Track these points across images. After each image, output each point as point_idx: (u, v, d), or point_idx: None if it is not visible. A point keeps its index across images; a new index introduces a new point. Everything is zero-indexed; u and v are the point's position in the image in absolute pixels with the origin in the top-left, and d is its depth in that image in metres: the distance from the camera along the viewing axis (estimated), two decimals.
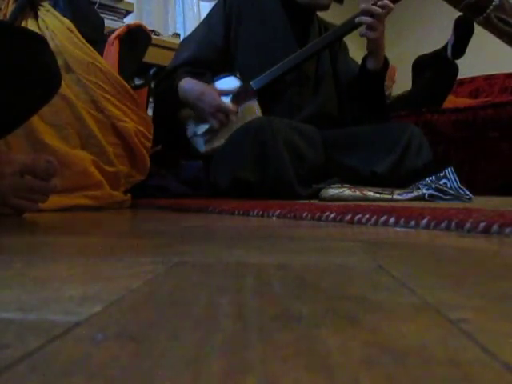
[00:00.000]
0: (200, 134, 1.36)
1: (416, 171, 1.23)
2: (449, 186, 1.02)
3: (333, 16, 1.72)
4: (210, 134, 1.35)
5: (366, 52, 1.46)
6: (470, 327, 0.16)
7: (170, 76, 1.41)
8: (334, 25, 1.59)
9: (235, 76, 1.39)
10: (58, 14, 1.12)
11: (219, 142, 1.33)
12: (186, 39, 1.58)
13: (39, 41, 0.74)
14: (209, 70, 1.41)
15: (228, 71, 1.41)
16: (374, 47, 1.37)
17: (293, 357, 0.14)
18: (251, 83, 1.38)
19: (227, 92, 1.34)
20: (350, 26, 1.39)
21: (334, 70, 1.57)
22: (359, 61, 1.53)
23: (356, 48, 1.70)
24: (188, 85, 1.34)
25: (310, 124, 1.39)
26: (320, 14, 1.58)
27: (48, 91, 0.77)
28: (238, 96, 1.34)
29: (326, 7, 1.48)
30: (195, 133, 1.37)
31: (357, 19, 1.33)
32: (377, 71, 1.41)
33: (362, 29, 1.34)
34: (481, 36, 1.57)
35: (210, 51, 1.44)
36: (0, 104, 0.69)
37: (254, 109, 1.34)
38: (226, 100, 1.33)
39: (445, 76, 2.06)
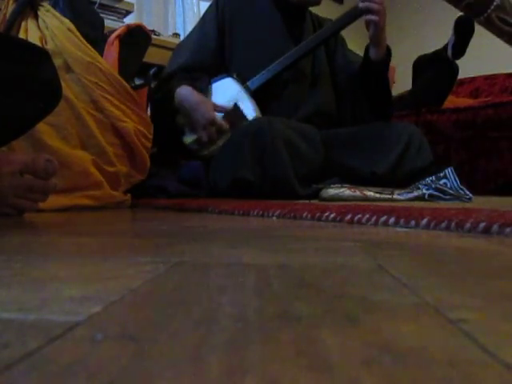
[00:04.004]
0: (187, 142, 1.37)
1: (416, 171, 1.23)
2: (449, 186, 1.02)
3: (333, 16, 1.72)
4: (198, 144, 1.36)
5: (360, 47, 1.46)
6: (469, 327, 0.16)
7: (167, 82, 1.42)
8: (329, 20, 1.60)
9: (232, 77, 1.39)
10: (58, 14, 1.12)
11: (216, 145, 1.33)
12: (180, 44, 1.59)
13: (41, 54, 0.75)
14: (205, 74, 1.41)
15: (225, 73, 1.41)
16: (376, 35, 1.34)
17: (293, 357, 0.14)
18: (248, 83, 1.38)
19: (221, 109, 1.34)
20: (345, 21, 1.39)
21: (332, 67, 1.57)
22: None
23: (351, 43, 1.69)
24: (185, 93, 1.34)
25: (308, 122, 1.39)
26: (314, 9, 1.58)
27: (49, 104, 0.77)
28: (230, 114, 1.34)
29: (317, 2, 1.48)
30: (186, 141, 1.38)
31: (360, 4, 1.31)
32: (379, 61, 1.39)
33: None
34: (481, 36, 1.57)
35: (205, 55, 1.44)
36: (1, 115, 0.69)
37: (245, 122, 1.35)
38: (219, 115, 1.34)
39: (445, 76, 2.06)
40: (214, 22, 1.47)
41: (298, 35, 1.49)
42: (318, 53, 1.52)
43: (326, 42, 1.51)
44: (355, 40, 1.86)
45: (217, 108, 1.34)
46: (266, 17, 1.49)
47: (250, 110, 1.35)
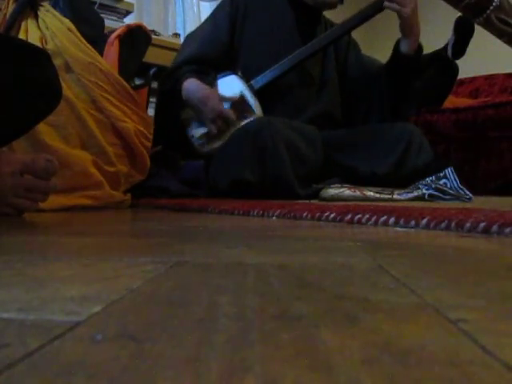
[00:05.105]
0: (197, 136, 1.37)
1: (418, 170, 1.22)
2: (449, 186, 1.02)
3: (333, 16, 1.72)
4: (207, 138, 1.36)
5: (367, 52, 1.45)
6: (469, 327, 0.16)
7: (174, 74, 1.40)
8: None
9: (236, 75, 1.38)
10: (57, 14, 1.12)
11: (219, 142, 1.33)
12: (190, 35, 1.56)
13: (41, 55, 0.75)
14: (213, 68, 1.40)
15: (231, 69, 1.41)
16: (406, 26, 1.31)
17: (293, 357, 0.14)
18: (252, 82, 1.38)
19: (228, 99, 1.34)
20: (353, 23, 1.38)
21: (343, 71, 1.56)
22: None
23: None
24: (192, 86, 1.33)
25: (311, 125, 1.38)
26: (326, 13, 1.58)
27: (49, 104, 0.77)
28: (237, 105, 1.34)
29: (332, 5, 1.46)
30: (193, 135, 1.37)
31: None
32: (410, 55, 1.36)
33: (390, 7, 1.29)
34: (481, 36, 1.57)
35: (215, 48, 1.43)
36: (1, 116, 0.69)
37: (252, 113, 1.34)
38: (226, 106, 1.33)
39: (445, 76, 2.06)
40: (227, 16, 1.45)
41: (310, 37, 1.46)
42: (328, 57, 1.51)
43: (333, 44, 1.49)
44: (364, 44, 1.85)
45: (223, 99, 1.33)
46: (280, 16, 1.47)
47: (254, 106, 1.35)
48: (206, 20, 1.53)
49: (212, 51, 1.42)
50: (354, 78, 1.54)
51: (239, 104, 1.34)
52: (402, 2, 1.27)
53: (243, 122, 1.32)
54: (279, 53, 1.41)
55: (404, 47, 1.36)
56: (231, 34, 1.45)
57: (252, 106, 1.34)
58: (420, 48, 1.39)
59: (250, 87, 1.37)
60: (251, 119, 1.30)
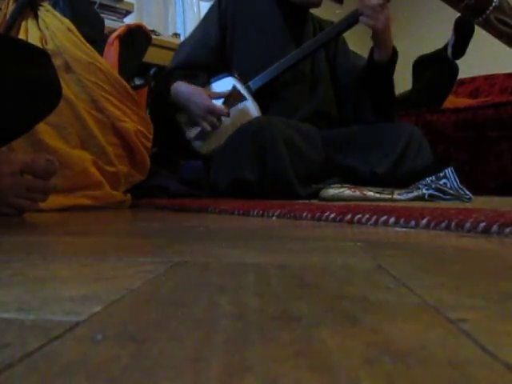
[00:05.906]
0: (192, 136, 1.37)
1: (416, 171, 1.23)
2: (449, 186, 1.02)
3: (333, 16, 1.72)
4: (203, 136, 1.36)
5: (361, 48, 1.45)
6: (469, 327, 0.16)
7: (164, 79, 1.42)
8: (330, 22, 1.59)
9: (233, 76, 1.39)
10: (57, 14, 1.12)
11: (217, 143, 1.33)
12: (183, 42, 1.60)
13: (41, 55, 0.75)
14: (204, 72, 1.41)
15: (226, 72, 1.41)
16: (377, 38, 1.33)
17: (293, 357, 0.14)
18: (249, 84, 1.38)
19: (218, 95, 1.34)
20: (347, 24, 1.38)
21: (332, 69, 1.57)
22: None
23: (353, 46, 1.69)
24: (178, 87, 1.35)
25: (308, 123, 1.39)
26: (314, 11, 1.58)
27: (49, 104, 0.77)
28: (229, 98, 1.34)
29: (316, 4, 1.48)
30: (189, 136, 1.38)
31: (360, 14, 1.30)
32: (384, 63, 1.37)
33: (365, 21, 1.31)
34: (481, 36, 1.57)
35: (205, 53, 1.44)
36: (1, 116, 0.69)
37: (248, 111, 1.34)
38: (218, 102, 1.33)
39: (445, 76, 2.06)
40: (216, 22, 1.47)
41: (299, 36, 1.49)
42: (317, 54, 1.52)
43: (329, 43, 1.50)
44: (357, 41, 1.85)
45: (214, 95, 1.34)
46: (268, 17, 1.49)
47: (250, 102, 1.35)
48: (197, 27, 1.56)
49: (203, 56, 1.44)
50: (343, 74, 1.55)
51: (232, 96, 1.34)
52: (374, 17, 1.28)
53: (234, 106, 1.32)
54: (271, 52, 1.42)
55: (377, 56, 1.38)
56: (222, 38, 1.47)
57: (245, 96, 1.34)
58: (394, 54, 1.39)
59: (248, 89, 1.38)
60: (247, 119, 1.30)
